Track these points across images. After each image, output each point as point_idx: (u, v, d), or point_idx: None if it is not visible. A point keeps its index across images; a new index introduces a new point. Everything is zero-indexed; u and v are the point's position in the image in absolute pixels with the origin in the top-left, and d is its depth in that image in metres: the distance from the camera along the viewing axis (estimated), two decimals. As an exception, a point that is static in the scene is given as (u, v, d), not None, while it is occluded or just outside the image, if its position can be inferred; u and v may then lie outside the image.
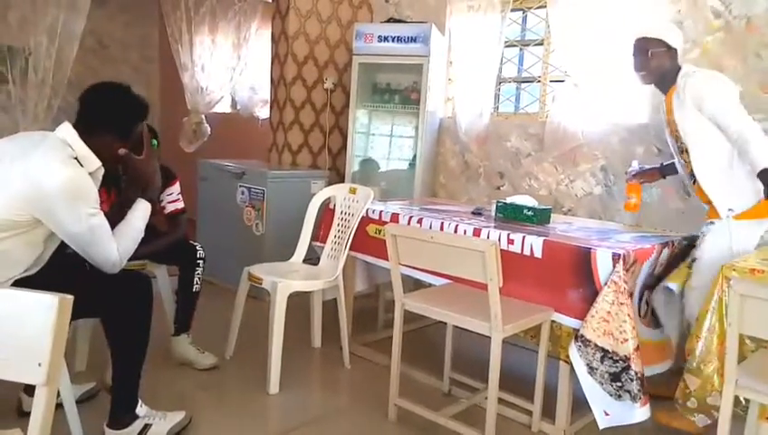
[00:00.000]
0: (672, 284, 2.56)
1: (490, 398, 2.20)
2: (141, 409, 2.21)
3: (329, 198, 3.33)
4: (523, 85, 4.32)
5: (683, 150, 2.65)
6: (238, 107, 6.02)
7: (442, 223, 2.82)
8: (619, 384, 2.21)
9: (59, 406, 1.63)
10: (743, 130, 2.38)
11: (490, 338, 2.16)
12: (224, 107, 5.95)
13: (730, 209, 2.50)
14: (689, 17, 3.27)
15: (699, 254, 2.55)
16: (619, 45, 3.34)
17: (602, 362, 2.23)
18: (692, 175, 2.64)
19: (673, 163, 2.85)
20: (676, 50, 2.66)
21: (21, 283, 1.95)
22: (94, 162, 2.07)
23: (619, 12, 3.42)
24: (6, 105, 3.86)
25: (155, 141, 2.46)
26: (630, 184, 2.97)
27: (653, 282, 2.60)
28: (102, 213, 2.03)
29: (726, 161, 2.52)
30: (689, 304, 2.52)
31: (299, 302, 3.03)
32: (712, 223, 2.57)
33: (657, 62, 2.65)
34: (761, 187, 2.33)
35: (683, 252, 2.70)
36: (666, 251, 2.58)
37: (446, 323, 2.62)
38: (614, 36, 3.41)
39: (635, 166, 3.00)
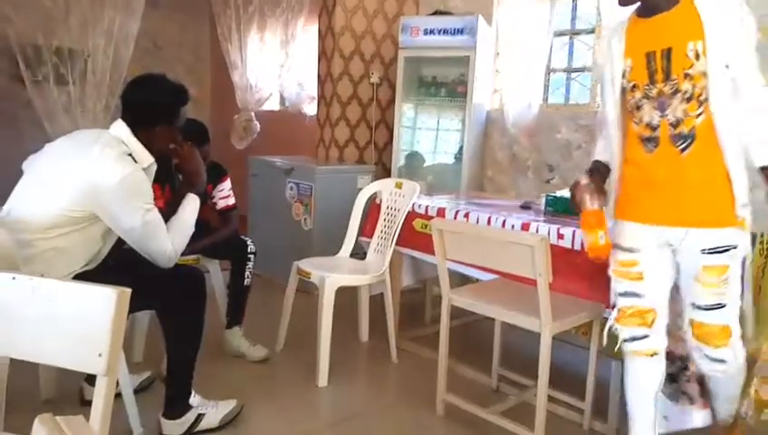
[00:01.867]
0: None
1: (540, 395, 2.17)
2: (195, 399, 2.28)
3: (375, 193, 3.34)
4: (574, 75, 4.22)
5: (692, 97, 1.80)
6: (287, 104, 6.09)
7: (489, 217, 2.78)
8: (676, 386, 2.13)
9: (118, 395, 1.70)
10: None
11: (539, 334, 2.13)
12: (272, 104, 6.03)
13: (744, 205, 1.83)
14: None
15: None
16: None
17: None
18: (687, 137, 1.82)
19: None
20: None
21: (81, 277, 2.03)
22: (147, 158, 2.14)
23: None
24: (67, 106, 4.02)
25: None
26: (587, 212, 1.98)
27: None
28: (156, 208, 2.10)
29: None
30: None
31: (347, 296, 3.05)
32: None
33: None
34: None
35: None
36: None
37: (494, 319, 2.60)
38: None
39: (582, 180, 2.01)
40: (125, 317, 1.22)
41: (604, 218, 1.98)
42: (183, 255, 2.25)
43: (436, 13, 4.45)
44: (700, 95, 1.79)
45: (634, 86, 1.89)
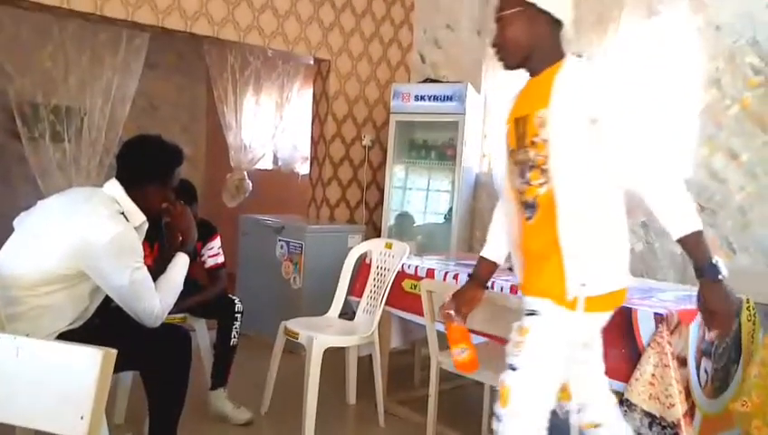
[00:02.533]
0: None
1: (529, 462, 2.12)
2: (176, 463, 2.21)
3: (365, 253, 3.36)
4: (560, 141, 4.33)
5: (535, 166, 1.74)
6: (279, 163, 6.18)
7: (479, 279, 2.79)
8: (666, 452, 2.10)
9: (97, 459, 1.65)
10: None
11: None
12: (265, 163, 6.12)
13: (583, 284, 1.67)
14: (727, 73, 3.25)
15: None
16: (657, 101, 3.36)
17: (651, 429, 2.13)
18: (532, 206, 1.76)
19: (496, 245, 2.05)
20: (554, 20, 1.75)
21: (66, 335, 2.00)
22: (139, 217, 2.16)
23: (656, 68, 3.43)
24: (62, 163, 4.07)
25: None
26: (450, 327, 1.99)
27: (708, 348, 2.49)
28: (145, 267, 2.10)
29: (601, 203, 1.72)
30: None
31: (334, 357, 3.01)
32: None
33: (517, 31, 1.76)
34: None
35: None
36: (712, 312, 2.48)
37: (483, 383, 2.57)
38: (651, 93, 3.42)
39: (450, 295, 2.01)
40: (109, 379, 1.20)
41: (467, 333, 1.95)
42: (170, 313, 2.24)
43: (426, 80, 4.60)
44: (543, 164, 1.70)
45: (509, 151, 1.83)
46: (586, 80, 1.68)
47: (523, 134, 1.76)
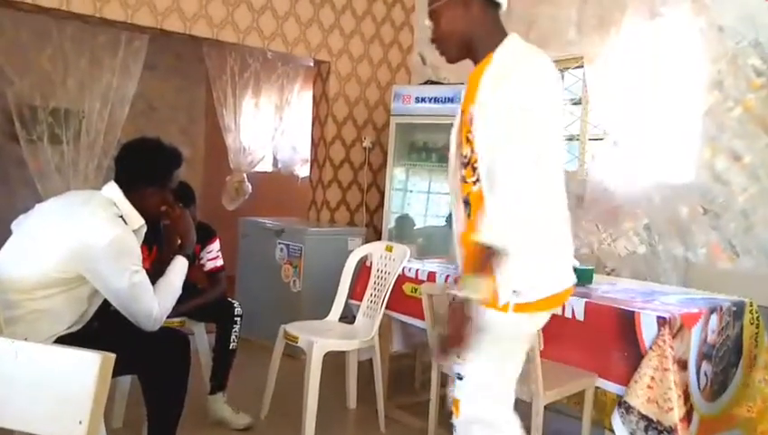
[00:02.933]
0: None
1: (532, 467, 2.10)
2: (175, 468, 2.19)
3: (365, 256, 3.34)
4: (561, 144, 4.32)
5: (468, 163, 1.69)
6: (279, 165, 6.17)
7: (480, 282, 2.77)
8: (667, 457, 2.09)
9: (95, 465, 1.63)
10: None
11: (530, 404, 2.09)
12: (265, 166, 6.11)
13: (514, 291, 1.58)
14: (730, 75, 3.24)
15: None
16: (659, 103, 3.35)
17: (647, 433, 2.12)
18: (467, 203, 1.73)
19: None
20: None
21: (65, 339, 1.98)
22: (138, 220, 2.14)
23: (658, 70, 3.43)
24: (60, 165, 4.05)
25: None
26: None
27: (709, 351, 2.47)
28: (144, 270, 2.08)
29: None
30: None
31: (335, 361, 2.99)
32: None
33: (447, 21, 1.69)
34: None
35: (733, 320, 2.58)
36: (714, 316, 2.47)
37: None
38: (653, 94, 3.41)
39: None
40: (108, 383, 1.19)
41: None
42: (169, 317, 2.22)
43: (427, 82, 4.59)
44: (475, 162, 1.62)
45: (455, 145, 1.77)
46: (508, 71, 1.57)
47: (460, 130, 1.72)
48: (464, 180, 1.71)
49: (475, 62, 1.70)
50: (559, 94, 1.69)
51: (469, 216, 1.70)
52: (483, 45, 1.66)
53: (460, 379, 1.67)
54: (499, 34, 1.66)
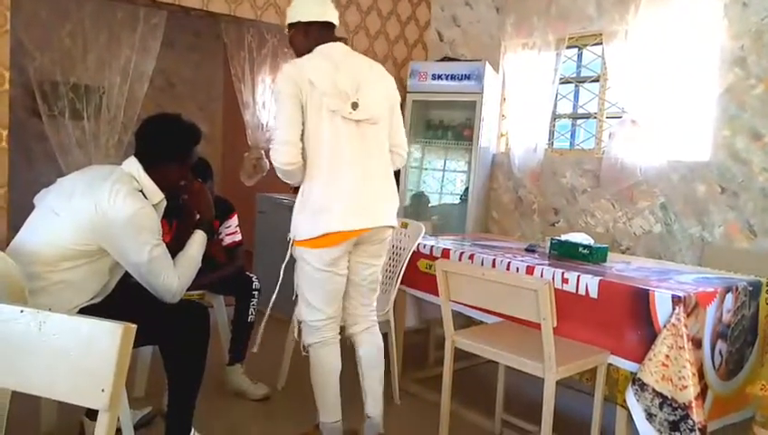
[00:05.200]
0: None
1: (542, 441, 2.14)
2: (194, 436, 2.26)
3: (381, 233, 3.35)
4: (579, 121, 4.28)
5: None
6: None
7: (494, 260, 2.79)
8: (678, 434, 2.10)
9: (118, 431, 1.69)
10: None
11: (543, 379, 2.11)
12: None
13: (292, 234, 2.40)
14: (753, 53, 3.18)
15: None
16: (678, 81, 3.29)
17: (661, 409, 2.14)
18: None
19: None
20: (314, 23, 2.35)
21: (87, 310, 2.04)
22: (157, 195, 2.18)
23: (677, 47, 3.37)
24: (81, 140, 4.10)
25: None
26: None
27: (724, 330, 2.47)
28: (164, 244, 2.12)
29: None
30: None
31: (350, 335, 3.03)
32: None
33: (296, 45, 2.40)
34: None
35: (749, 299, 2.57)
36: (730, 296, 2.46)
37: (497, 363, 2.58)
38: (672, 72, 3.36)
39: None
40: (129, 353, 1.22)
41: None
42: (188, 290, 2.27)
43: (444, 59, 4.56)
44: None
45: None
46: None
47: None
48: None
49: None
50: (296, 88, 2.21)
51: None
52: None
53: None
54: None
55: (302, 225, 2.30)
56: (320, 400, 2.44)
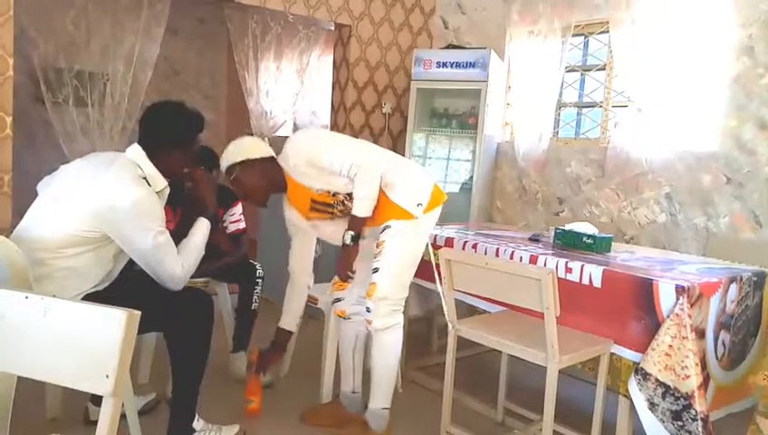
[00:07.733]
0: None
1: (545, 430, 2.14)
2: (198, 423, 2.27)
3: (385, 221, 3.35)
4: (585, 110, 4.25)
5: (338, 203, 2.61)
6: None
7: (498, 249, 2.79)
8: (680, 424, 2.11)
9: (122, 416, 1.70)
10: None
11: (546, 368, 2.12)
12: (286, 131, 6.10)
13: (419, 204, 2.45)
14: (761, 41, 3.15)
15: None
16: (685, 70, 3.27)
17: (664, 399, 2.14)
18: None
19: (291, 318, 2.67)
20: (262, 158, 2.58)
21: (91, 297, 2.05)
22: (161, 182, 2.18)
23: (685, 36, 3.33)
24: (85, 127, 4.10)
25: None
26: (252, 379, 2.54)
27: (728, 321, 2.47)
28: (168, 231, 2.12)
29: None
30: None
31: (353, 323, 3.03)
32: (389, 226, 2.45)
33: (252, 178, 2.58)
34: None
35: (753, 290, 2.56)
36: (734, 286, 2.46)
37: (500, 351, 2.58)
38: (679, 61, 3.33)
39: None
40: (133, 339, 1.23)
41: (260, 388, 2.54)
42: (192, 277, 2.27)
43: (449, 46, 4.53)
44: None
45: None
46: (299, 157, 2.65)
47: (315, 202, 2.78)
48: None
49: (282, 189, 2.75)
50: None
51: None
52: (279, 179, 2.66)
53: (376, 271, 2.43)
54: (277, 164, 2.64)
55: (416, 182, 2.46)
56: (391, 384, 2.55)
